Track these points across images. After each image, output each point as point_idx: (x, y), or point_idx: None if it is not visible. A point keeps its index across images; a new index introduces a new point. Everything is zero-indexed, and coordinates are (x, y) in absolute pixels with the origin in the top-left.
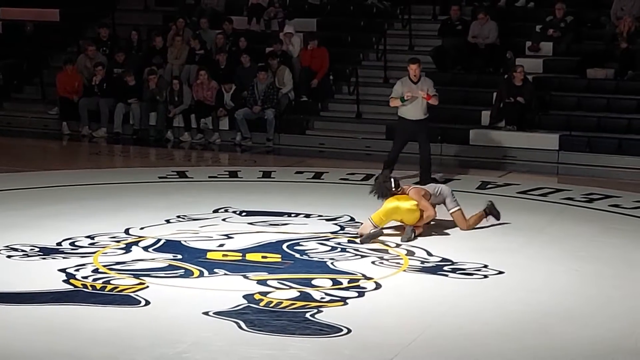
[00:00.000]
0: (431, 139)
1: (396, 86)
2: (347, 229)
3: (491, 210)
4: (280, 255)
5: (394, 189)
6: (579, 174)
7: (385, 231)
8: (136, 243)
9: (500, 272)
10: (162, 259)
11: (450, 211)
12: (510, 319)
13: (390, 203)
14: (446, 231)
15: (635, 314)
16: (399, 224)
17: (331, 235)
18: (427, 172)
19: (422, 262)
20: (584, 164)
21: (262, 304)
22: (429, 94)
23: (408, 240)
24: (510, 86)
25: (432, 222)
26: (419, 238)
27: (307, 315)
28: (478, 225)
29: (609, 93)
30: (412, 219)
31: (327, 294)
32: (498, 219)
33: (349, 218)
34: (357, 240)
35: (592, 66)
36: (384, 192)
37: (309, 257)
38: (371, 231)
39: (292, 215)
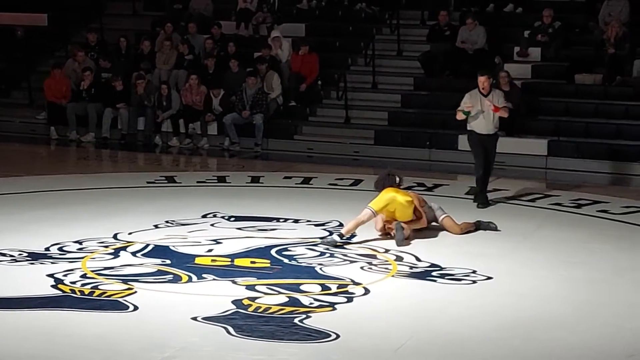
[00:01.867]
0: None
1: (465, 98)
2: (335, 234)
3: (480, 226)
4: (269, 261)
5: (397, 184)
6: (568, 179)
7: (374, 237)
8: (124, 248)
9: (489, 278)
10: (151, 264)
11: (441, 219)
12: (498, 324)
13: (388, 193)
14: (435, 237)
15: (624, 320)
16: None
17: (320, 241)
18: (483, 189)
19: (411, 268)
20: (572, 170)
21: (250, 309)
22: (497, 106)
23: (402, 241)
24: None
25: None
26: (407, 245)
27: (296, 320)
28: (467, 230)
29: (597, 98)
30: (404, 214)
31: (315, 300)
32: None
33: (338, 223)
34: (395, 241)
35: (580, 72)
36: (386, 185)
37: (298, 262)
38: (396, 232)
39: (281, 220)
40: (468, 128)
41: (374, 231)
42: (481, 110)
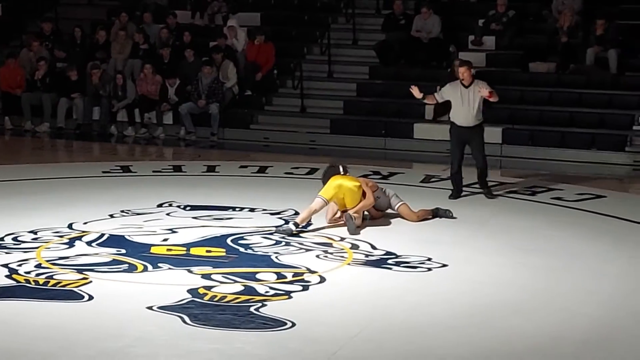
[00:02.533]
0: (484, 146)
1: (445, 87)
2: (291, 223)
3: (437, 213)
4: (224, 250)
5: (341, 174)
6: (522, 167)
7: (328, 224)
8: (79, 238)
9: (444, 265)
10: (106, 254)
11: (396, 207)
12: (454, 311)
13: (335, 181)
14: (390, 225)
15: (579, 307)
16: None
17: (276, 229)
18: (483, 182)
19: (367, 256)
20: (526, 157)
21: (206, 298)
22: (486, 89)
23: (355, 229)
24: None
25: (368, 216)
26: (362, 232)
27: (252, 309)
28: (424, 218)
29: (550, 86)
30: (353, 199)
31: (271, 288)
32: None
33: (294, 212)
34: (348, 230)
35: (534, 60)
36: (330, 177)
37: (254, 251)
38: (346, 222)
39: (237, 209)
40: (450, 119)
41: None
42: (461, 102)
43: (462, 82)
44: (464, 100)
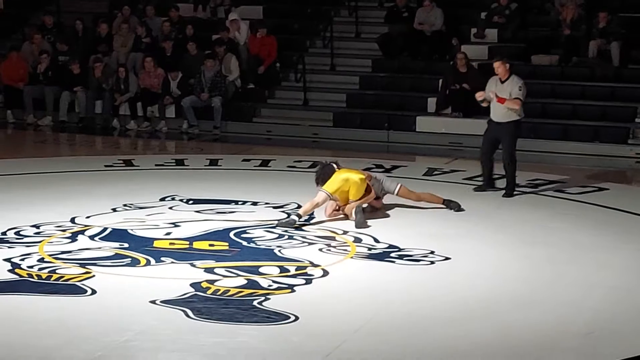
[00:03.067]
0: (515, 146)
1: (488, 83)
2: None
3: (449, 205)
4: (227, 243)
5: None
6: (524, 159)
7: (326, 219)
8: (82, 232)
9: (447, 258)
10: (109, 248)
11: (395, 191)
12: (457, 305)
13: (341, 174)
14: (393, 218)
15: (583, 300)
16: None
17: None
18: (510, 184)
19: (369, 249)
20: (529, 150)
21: (209, 292)
22: (501, 97)
23: (364, 223)
24: (456, 73)
25: (368, 207)
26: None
27: (255, 302)
28: (426, 209)
29: (553, 79)
30: (358, 192)
31: (274, 282)
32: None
33: (296, 205)
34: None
35: (537, 53)
36: (327, 177)
37: (256, 244)
38: (354, 213)
39: (239, 203)
40: None
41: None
42: (495, 96)
43: (499, 77)
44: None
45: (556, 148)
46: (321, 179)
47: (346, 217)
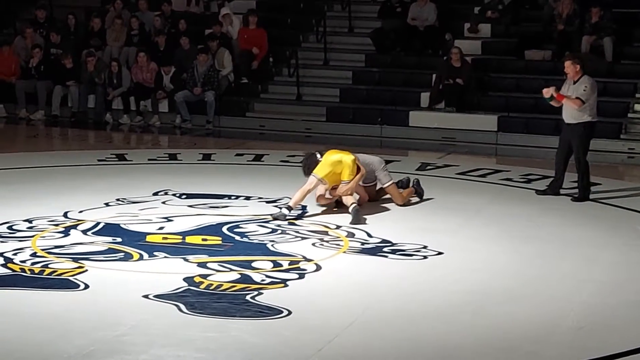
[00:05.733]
0: (585, 149)
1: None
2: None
3: (417, 188)
4: (220, 238)
5: (320, 159)
6: (518, 154)
7: (326, 212)
8: (75, 226)
9: (440, 253)
10: (102, 242)
11: (385, 185)
12: (449, 299)
13: (333, 155)
14: (386, 212)
15: (573, 294)
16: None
17: (271, 217)
18: (583, 188)
19: (362, 244)
20: (522, 145)
21: (202, 286)
22: (561, 94)
23: (361, 219)
24: (449, 68)
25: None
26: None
27: (248, 297)
28: (418, 206)
29: (546, 74)
30: (352, 172)
31: (267, 276)
32: (421, 197)
33: (289, 200)
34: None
35: (530, 48)
36: (312, 165)
37: (249, 239)
38: (351, 209)
39: (232, 197)
40: None
41: (326, 207)
42: (555, 91)
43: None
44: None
45: (549, 143)
46: (307, 169)
47: (335, 201)
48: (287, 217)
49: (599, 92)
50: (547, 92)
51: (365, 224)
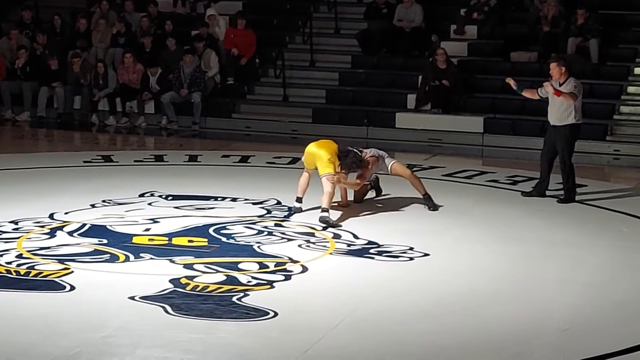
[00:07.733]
0: (570, 150)
1: (548, 83)
2: (273, 212)
3: (424, 198)
4: (206, 239)
5: (360, 155)
6: (503, 156)
7: (312, 215)
8: (61, 228)
9: (426, 254)
10: (87, 244)
11: (390, 165)
12: (435, 300)
13: (307, 150)
14: (372, 214)
15: (558, 295)
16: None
17: (258, 219)
18: (569, 190)
19: (349, 245)
20: (508, 147)
21: (188, 288)
22: (557, 89)
23: (334, 223)
24: (435, 69)
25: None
26: (344, 222)
27: (234, 299)
28: (404, 208)
29: (532, 76)
30: (324, 167)
31: (253, 278)
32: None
33: (276, 201)
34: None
35: (516, 49)
36: (356, 163)
37: (236, 240)
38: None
39: (219, 199)
40: None
41: (314, 209)
42: (551, 99)
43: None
44: (552, 98)
45: (535, 145)
46: (353, 167)
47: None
48: (331, 222)
49: (584, 93)
50: (510, 80)
51: (340, 226)
